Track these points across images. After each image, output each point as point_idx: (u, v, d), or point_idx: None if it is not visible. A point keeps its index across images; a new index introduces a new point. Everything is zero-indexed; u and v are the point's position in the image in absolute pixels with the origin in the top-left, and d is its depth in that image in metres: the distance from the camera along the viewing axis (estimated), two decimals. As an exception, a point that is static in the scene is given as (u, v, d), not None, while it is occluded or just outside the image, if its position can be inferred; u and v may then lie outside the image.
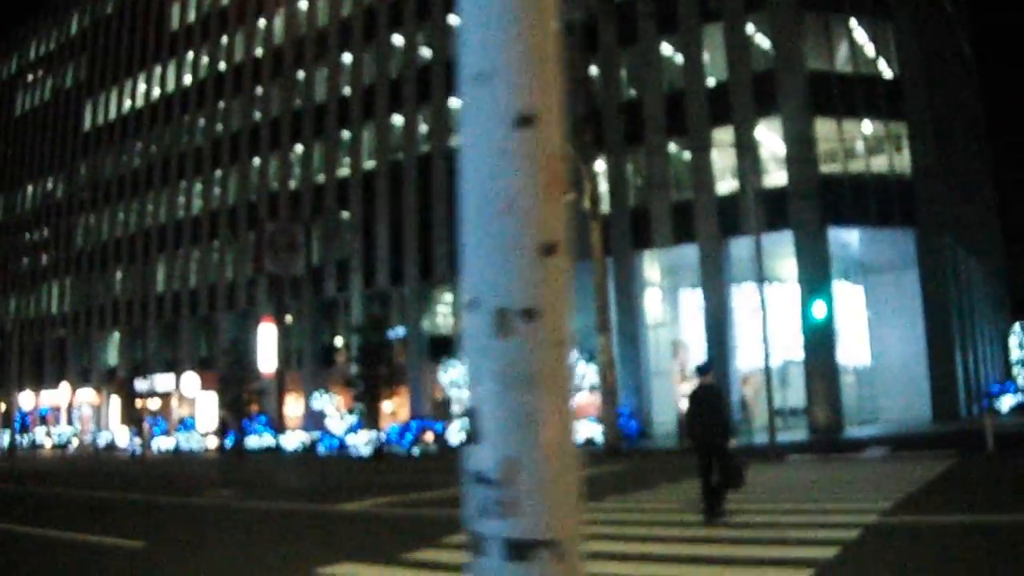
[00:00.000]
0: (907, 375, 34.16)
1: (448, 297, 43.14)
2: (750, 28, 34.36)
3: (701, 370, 11.21)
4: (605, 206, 33.98)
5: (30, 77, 74.61)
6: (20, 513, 15.28)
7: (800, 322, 29.27)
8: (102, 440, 54.14)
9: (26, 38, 76.29)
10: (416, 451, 36.06)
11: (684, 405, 29.59)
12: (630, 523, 10.84)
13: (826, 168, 32.66)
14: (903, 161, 33.30)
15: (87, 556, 10.18)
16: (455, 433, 35.52)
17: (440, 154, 42.24)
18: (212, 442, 45.76)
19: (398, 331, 41.46)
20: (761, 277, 22.83)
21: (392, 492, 16.40)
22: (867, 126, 33.84)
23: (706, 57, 35.36)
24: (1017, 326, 33.61)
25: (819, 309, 24.44)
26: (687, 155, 35.51)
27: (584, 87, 35.06)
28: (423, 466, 28.54)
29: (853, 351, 34.15)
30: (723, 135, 34.14)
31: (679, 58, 36.14)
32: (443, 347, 41.51)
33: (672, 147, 35.96)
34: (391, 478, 22.10)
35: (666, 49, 36.58)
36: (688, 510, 11.32)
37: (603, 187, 34.59)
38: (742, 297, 33.92)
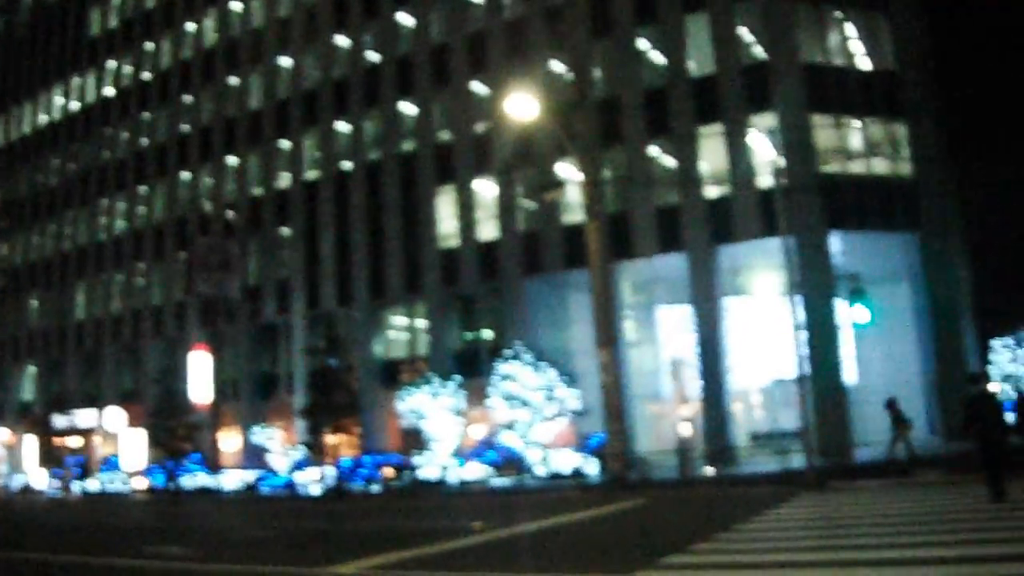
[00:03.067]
0: (898, 393, 31.38)
1: (402, 320, 39.56)
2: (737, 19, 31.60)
3: (975, 379, 14.09)
4: (577, 214, 30.94)
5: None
6: None
7: (807, 334, 26.08)
8: (16, 483, 49.86)
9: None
10: (376, 488, 32.53)
11: (685, 430, 26.87)
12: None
13: (827, 168, 30.00)
14: (904, 163, 30.79)
15: None
16: (429, 466, 31.90)
17: (392, 160, 38.82)
18: (140, 483, 41.77)
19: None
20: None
21: (382, 544, 12.92)
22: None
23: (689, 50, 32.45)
24: (1010, 340, 31.23)
25: (861, 314, 21.22)
26: (670, 159, 32.49)
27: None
28: (392, 505, 25.16)
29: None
30: (711, 132, 31.24)
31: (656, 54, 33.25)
32: (397, 373, 37.97)
33: (653, 149, 32.85)
34: (366, 524, 18.60)
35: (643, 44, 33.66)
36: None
37: (574, 193, 31.35)
38: (735, 310, 31.15)
